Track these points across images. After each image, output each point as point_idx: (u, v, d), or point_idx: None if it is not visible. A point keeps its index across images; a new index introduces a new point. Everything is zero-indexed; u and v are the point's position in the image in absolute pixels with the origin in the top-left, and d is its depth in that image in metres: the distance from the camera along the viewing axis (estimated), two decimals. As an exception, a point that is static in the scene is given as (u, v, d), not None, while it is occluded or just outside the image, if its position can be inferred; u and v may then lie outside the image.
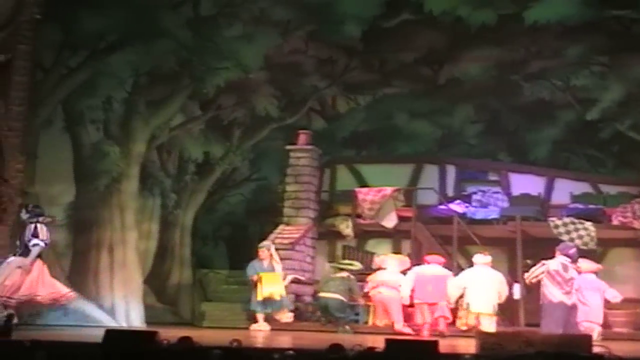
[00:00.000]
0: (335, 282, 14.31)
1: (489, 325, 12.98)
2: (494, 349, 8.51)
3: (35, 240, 11.03)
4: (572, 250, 13.02)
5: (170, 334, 8.61)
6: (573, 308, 12.54)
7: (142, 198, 16.03)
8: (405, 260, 14.47)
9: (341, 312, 14.23)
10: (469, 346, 9.38)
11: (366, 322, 14.88)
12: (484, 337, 8.75)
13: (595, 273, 13.73)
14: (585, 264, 13.47)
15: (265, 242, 14.68)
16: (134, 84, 15.68)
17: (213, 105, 17.65)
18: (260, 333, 13.04)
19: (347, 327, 14.02)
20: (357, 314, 14.83)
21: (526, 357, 8.02)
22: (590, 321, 13.12)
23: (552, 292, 12.42)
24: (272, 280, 13.97)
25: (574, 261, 12.85)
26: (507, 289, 13.56)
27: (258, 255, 14.28)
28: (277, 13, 16.57)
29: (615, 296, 13.67)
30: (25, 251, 11.05)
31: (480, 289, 13.30)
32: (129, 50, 15.07)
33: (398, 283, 13.89)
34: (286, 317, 14.34)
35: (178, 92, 16.34)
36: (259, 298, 13.90)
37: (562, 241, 15.36)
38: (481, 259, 13.64)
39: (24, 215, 11.31)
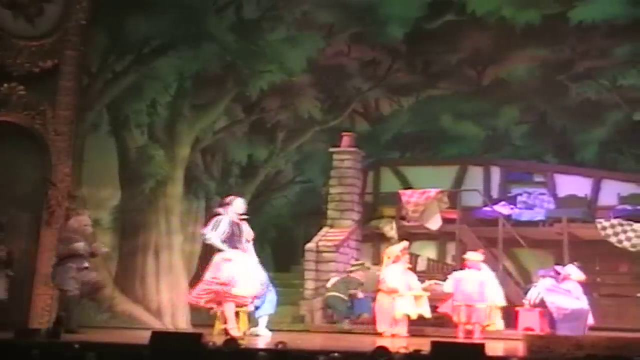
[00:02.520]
0: (336, 282, 14.95)
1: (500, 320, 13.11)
2: (543, 352, 8.42)
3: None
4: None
5: (216, 336, 8.66)
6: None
7: (187, 201, 16.13)
8: (393, 250, 13.91)
9: (336, 306, 14.65)
10: (516, 349, 9.29)
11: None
12: (532, 340, 8.66)
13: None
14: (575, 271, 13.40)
15: None
16: (179, 88, 15.81)
17: (257, 108, 17.74)
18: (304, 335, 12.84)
19: (346, 322, 14.25)
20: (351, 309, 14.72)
21: (575, 361, 7.93)
22: None
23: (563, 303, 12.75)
24: None
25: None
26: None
27: None
28: (320, 16, 16.62)
29: None
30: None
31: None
32: (173, 55, 15.24)
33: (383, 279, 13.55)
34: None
35: (222, 96, 16.46)
36: None
37: (610, 243, 15.26)
38: (476, 256, 13.59)
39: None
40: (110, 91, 14.93)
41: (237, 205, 11.30)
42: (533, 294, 13.36)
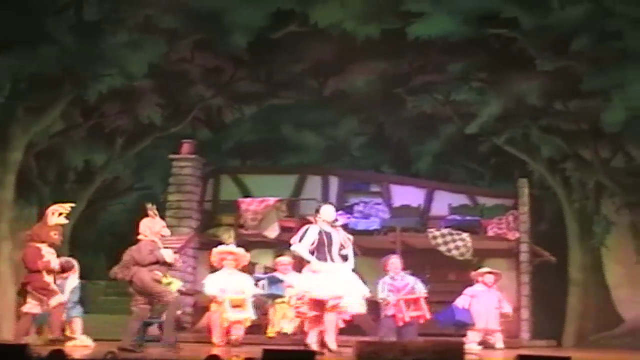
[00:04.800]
0: None
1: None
2: (371, 358, 8.66)
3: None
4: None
5: (43, 347, 8.42)
6: None
7: (18, 207, 15.61)
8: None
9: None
10: (348, 356, 9.50)
11: None
12: (361, 347, 8.89)
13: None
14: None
15: None
16: (13, 89, 15.23)
17: (95, 113, 17.32)
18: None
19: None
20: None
21: (401, 366, 8.19)
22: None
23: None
24: None
25: None
26: None
27: None
28: (163, 21, 16.38)
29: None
30: None
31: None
32: (8, 55, 14.67)
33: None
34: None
35: (59, 99, 15.97)
36: None
37: (440, 252, 15.87)
38: (286, 260, 13.89)
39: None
40: None
41: (326, 212, 10.71)
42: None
